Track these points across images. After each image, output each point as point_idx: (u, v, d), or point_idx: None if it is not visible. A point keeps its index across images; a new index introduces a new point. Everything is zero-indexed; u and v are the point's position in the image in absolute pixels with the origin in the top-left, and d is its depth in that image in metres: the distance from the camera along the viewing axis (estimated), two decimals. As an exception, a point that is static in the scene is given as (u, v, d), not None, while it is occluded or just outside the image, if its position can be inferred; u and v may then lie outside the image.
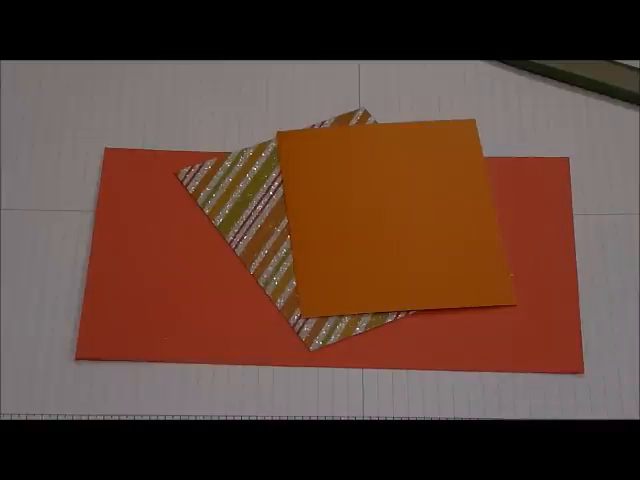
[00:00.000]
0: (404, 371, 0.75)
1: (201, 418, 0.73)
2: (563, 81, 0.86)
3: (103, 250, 0.78)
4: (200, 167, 0.82)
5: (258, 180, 0.82)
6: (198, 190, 0.81)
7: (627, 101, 0.85)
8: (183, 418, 0.73)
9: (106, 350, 0.75)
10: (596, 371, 0.75)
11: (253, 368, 0.75)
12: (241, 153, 0.83)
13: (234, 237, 0.79)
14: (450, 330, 0.76)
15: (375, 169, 0.82)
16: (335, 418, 0.73)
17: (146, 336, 0.75)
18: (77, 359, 0.75)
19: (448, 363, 0.75)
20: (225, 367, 0.75)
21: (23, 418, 0.73)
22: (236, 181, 0.81)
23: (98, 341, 0.75)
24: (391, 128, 0.84)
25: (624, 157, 0.83)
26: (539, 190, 0.81)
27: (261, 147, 0.83)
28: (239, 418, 0.73)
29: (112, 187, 0.81)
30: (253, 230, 0.79)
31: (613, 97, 0.85)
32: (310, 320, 0.76)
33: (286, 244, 0.79)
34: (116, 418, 0.73)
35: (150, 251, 0.78)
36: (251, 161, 0.82)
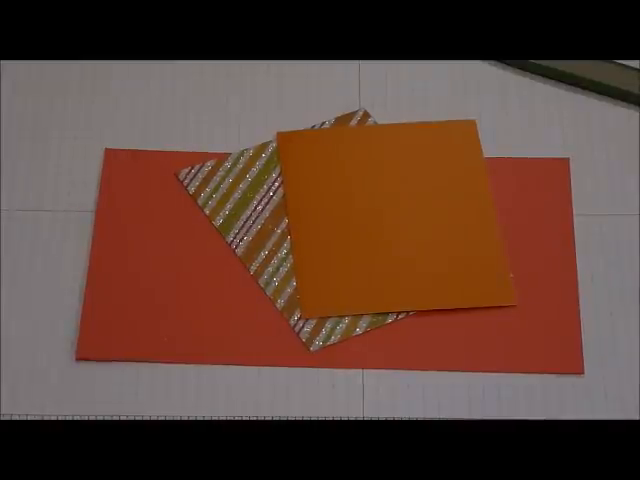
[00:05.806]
0: (404, 371, 0.75)
1: (201, 418, 0.73)
2: (563, 81, 0.86)
3: (103, 250, 0.78)
4: (200, 167, 0.82)
5: (258, 181, 0.81)
6: (198, 191, 0.81)
7: (627, 101, 0.85)
8: (183, 418, 0.73)
9: (106, 350, 0.75)
10: (596, 371, 0.75)
11: (253, 368, 0.75)
12: (241, 154, 0.83)
13: (234, 237, 0.79)
14: (450, 330, 0.76)
15: (375, 170, 0.82)
16: (335, 418, 0.73)
17: (146, 336, 0.75)
18: (77, 359, 0.75)
19: (448, 363, 0.75)
20: (225, 367, 0.75)
21: (23, 418, 0.73)
22: (236, 182, 0.81)
23: (98, 341, 0.75)
24: (391, 128, 0.84)
25: (624, 157, 0.83)
26: (539, 190, 0.81)
27: (261, 148, 0.83)
28: (239, 418, 0.73)
29: (112, 187, 0.81)
30: (253, 231, 0.79)
31: (613, 97, 0.85)
32: (310, 320, 0.76)
33: (286, 245, 0.79)
34: (116, 418, 0.73)
35: (150, 251, 0.78)
36: (251, 162, 0.82)
